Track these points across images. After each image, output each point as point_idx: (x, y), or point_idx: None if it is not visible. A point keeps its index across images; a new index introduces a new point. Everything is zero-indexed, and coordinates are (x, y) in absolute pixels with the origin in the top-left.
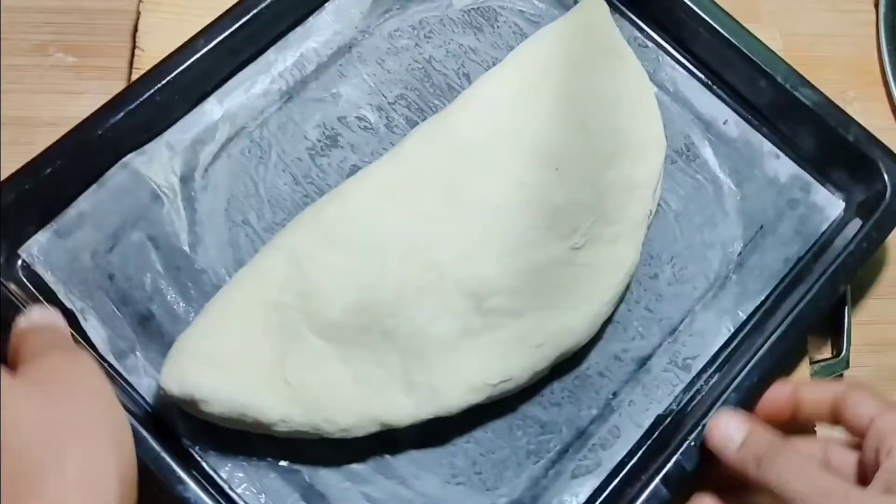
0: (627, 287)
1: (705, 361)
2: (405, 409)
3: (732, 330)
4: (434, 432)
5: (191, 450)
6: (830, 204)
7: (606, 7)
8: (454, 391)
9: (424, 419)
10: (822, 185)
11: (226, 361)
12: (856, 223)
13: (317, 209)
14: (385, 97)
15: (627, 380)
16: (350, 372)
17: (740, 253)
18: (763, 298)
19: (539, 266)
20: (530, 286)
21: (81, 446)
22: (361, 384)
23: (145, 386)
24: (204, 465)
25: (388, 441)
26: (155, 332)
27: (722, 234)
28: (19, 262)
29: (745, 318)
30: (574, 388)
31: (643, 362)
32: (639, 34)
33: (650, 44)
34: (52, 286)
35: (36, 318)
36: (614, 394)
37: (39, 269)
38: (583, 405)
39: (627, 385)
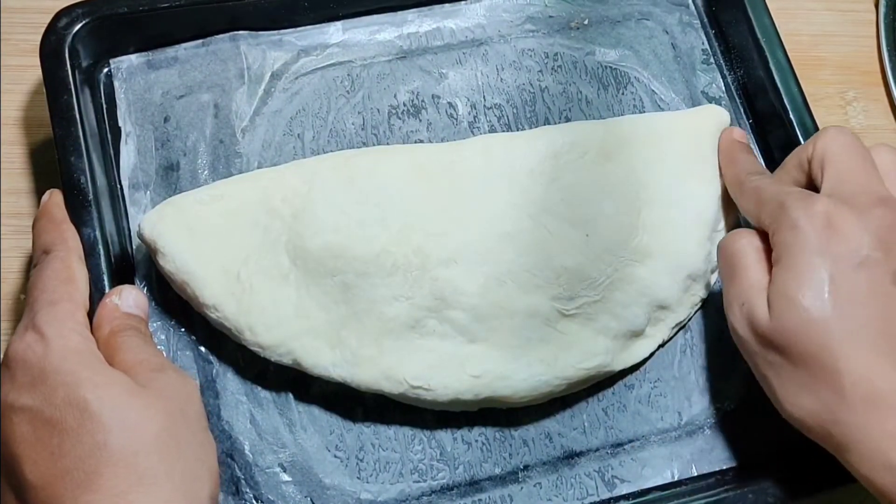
0: (592, 379)
1: (631, 490)
2: (321, 360)
3: (675, 478)
4: (344, 401)
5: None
6: None
7: (722, 119)
8: (372, 370)
9: (334, 379)
10: None
11: (201, 231)
12: None
13: (355, 154)
14: (484, 99)
15: (547, 462)
16: (297, 300)
17: (727, 413)
18: (724, 468)
19: (517, 308)
20: (497, 320)
21: (188, 465)
22: (299, 316)
23: (137, 221)
24: None
25: (302, 385)
26: (171, 183)
27: (719, 387)
28: (106, 69)
29: (695, 475)
30: (492, 439)
31: (572, 455)
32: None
33: None
34: (118, 101)
35: (129, 302)
36: (526, 467)
37: (117, 83)
38: (490, 459)
39: (544, 467)
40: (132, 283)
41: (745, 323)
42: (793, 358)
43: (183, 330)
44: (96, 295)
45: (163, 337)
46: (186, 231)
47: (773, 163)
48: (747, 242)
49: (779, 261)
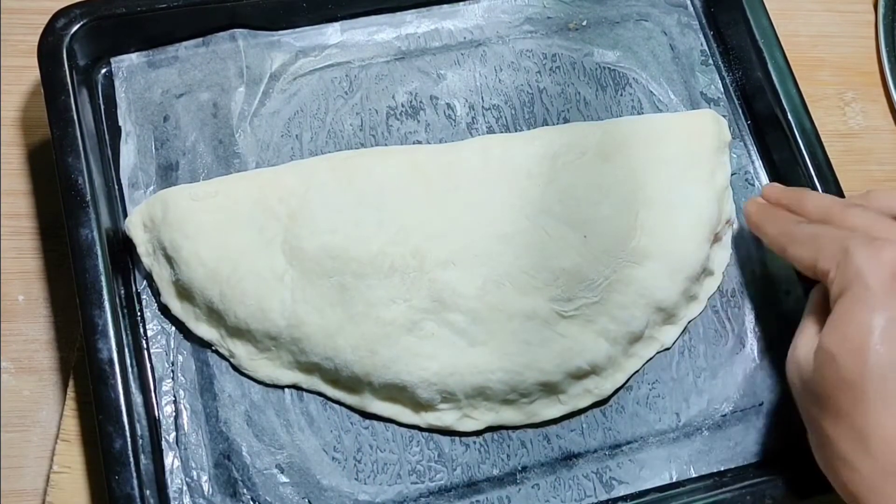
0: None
1: (629, 492)
2: (317, 386)
3: (673, 479)
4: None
5: (139, 293)
6: None
7: (716, 126)
8: (367, 391)
9: (328, 396)
10: None
11: (190, 229)
12: None
13: (353, 155)
14: (482, 100)
15: (545, 463)
16: (289, 295)
17: (725, 415)
18: (722, 470)
19: (515, 310)
20: (496, 323)
21: None
22: (289, 325)
23: None
24: (138, 314)
25: (299, 386)
26: (171, 183)
27: (717, 388)
28: (104, 69)
29: (693, 476)
30: (490, 440)
31: (570, 457)
32: (750, 171)
33: (757, 184)
34: (119, 101)
35: None
36: (524, 468)
37: (117, 82)
38: (488, 460)
39: (542, 468)
40: (130, 283)
41: (793, 368)
42: (830, 413)
43: (181, 332)
44: (93, 296)
45: (162, 341)
46: (176, 230)
47: (772, 164)
48: (815, 290)
49: (833, 309)
